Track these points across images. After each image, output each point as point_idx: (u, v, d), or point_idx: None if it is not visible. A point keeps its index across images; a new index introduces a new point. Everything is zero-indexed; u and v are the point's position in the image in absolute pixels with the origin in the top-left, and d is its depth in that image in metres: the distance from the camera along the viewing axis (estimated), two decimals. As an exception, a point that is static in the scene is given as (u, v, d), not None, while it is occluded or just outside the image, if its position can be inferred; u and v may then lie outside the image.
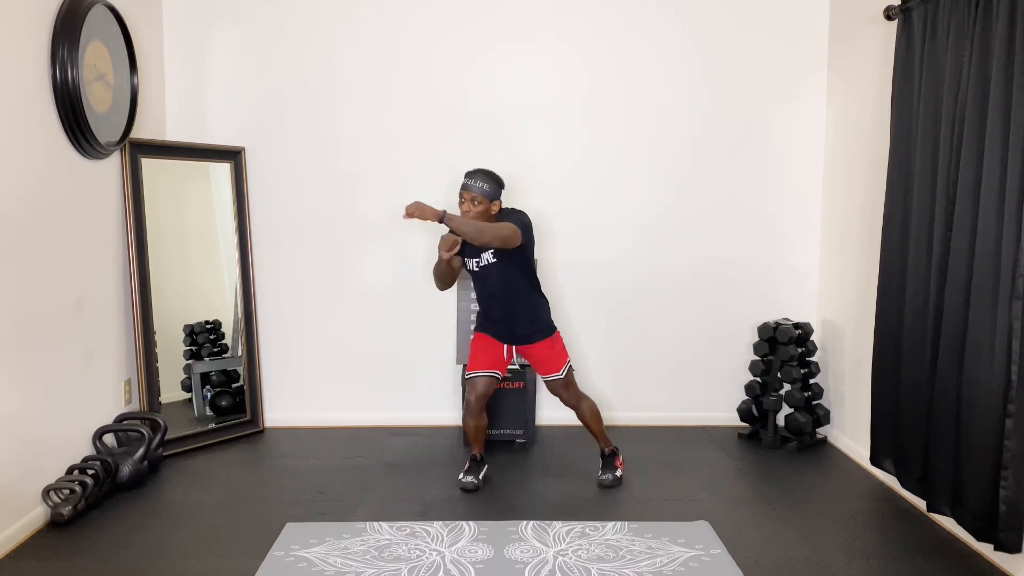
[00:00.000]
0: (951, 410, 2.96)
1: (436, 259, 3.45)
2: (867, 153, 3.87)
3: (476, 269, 3.45)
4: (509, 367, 4.10)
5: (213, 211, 4.30)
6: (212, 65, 4.28)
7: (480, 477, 3.55)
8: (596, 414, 3.65)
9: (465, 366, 3.69)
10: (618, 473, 3.59)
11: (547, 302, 3.62)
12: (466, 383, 3.59)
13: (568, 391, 3.60)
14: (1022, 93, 2.61)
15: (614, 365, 4.52)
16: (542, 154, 4.36)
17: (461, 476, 3.54)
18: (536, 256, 4.27)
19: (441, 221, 3.17)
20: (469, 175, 3.38)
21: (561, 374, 3.55)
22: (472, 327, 3.81)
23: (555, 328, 3.60)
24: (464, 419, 3.63)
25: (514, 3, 4.30)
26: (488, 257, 3.41)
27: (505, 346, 3.56)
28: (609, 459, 3.63)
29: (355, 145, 4.34)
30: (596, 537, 2.95)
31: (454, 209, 3.60)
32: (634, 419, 4.50)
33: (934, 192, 3.13)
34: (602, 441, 3.67)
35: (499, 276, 3.44)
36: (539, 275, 3.90)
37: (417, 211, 3.16)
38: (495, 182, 3.38)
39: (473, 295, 3.85)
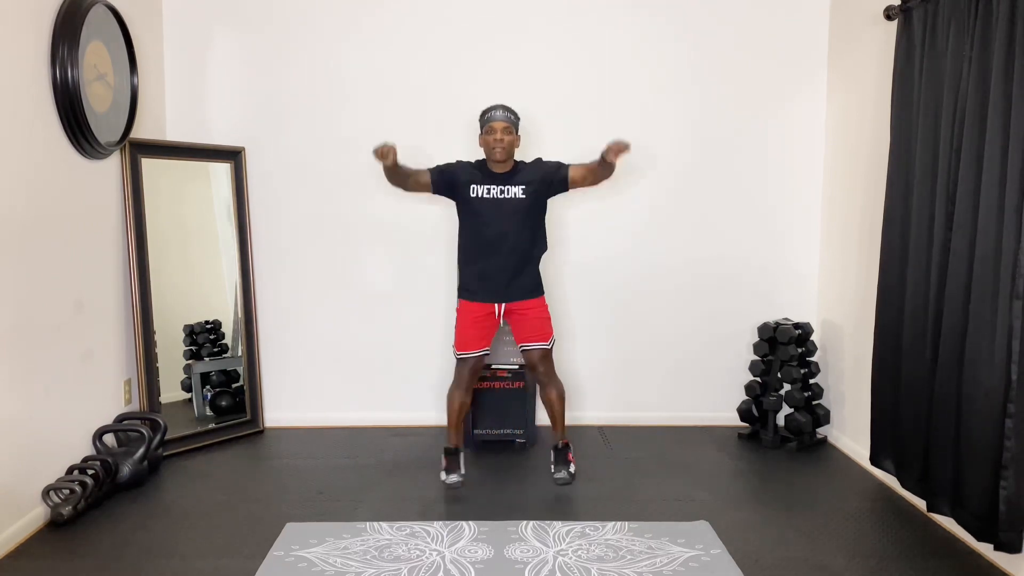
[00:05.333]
0: (951, 410, 2.96)
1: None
2: (867, 153, 3.87)
3: (491, 197, 3.32)
4: (509, 367, 4.10)
5: (213, 211, 4.30)
6: (212, 65, 4.28)
7: (462, 472, 3.49)
8: (564, 398, 3.56)
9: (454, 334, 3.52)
10: (572, 469, 3.50)
11: None
12: (457, 360, 3.48)
13: (546, 365, 3.49)
14: (1022, 93, 2.61)
15: (614, 365, 4.52)
16: (542, 154, 4.35)
17: (444, 476, 3.46)
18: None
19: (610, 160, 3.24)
20: (493, 108, 3.36)
21: (549, 344, 3.46)
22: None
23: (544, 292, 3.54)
24: (451, 396, 3.50)
25: (516, 7, 4.31)
26: (517, 191, 3.33)
27: (497, 307, 3.42)
28: (562, 453, 3.52)
29: (355, 145, 4.33)
30: (596, 537, 2.95)
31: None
32: (634, 419, 4.50)
33: (934, 192, 3.13)
34: (560, 431, 3.55)
35: (521, 216, 3.35)
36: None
37: (622, 148, 3.17)
38: (516, 114, 3.40)
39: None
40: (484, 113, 3.40)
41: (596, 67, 4.35)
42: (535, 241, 3.47)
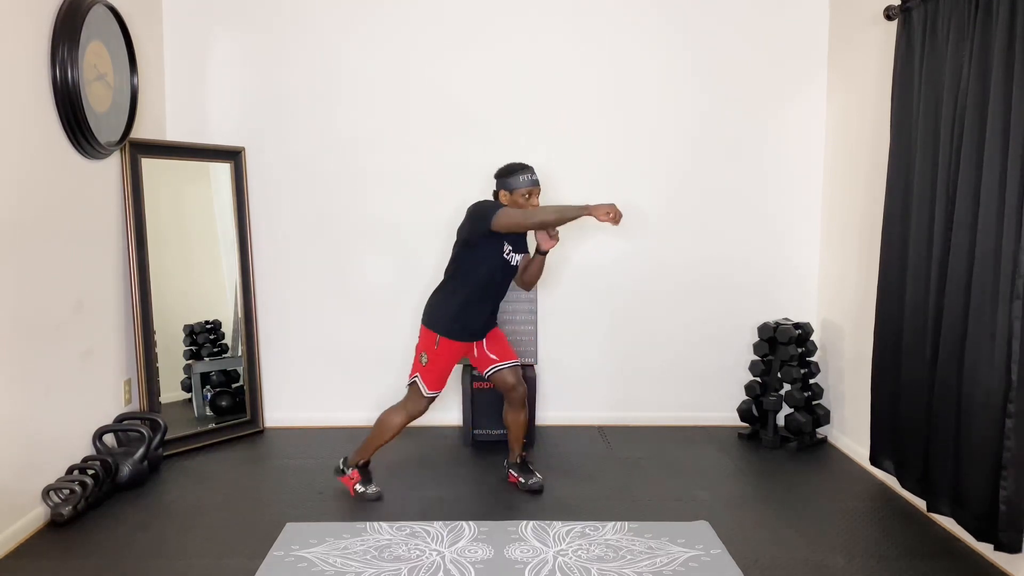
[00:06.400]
0: (951, 410, 2.96)
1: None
2: (867, 153, 3.87)
3: (506, 259, 3.31)
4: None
5: (213, 211, 4.30)
6: (212, 65, 4.28)
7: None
8: (528, 423, 3.59)
9: (421, 374, 3.35)
10: (539, 475, 3.53)
11: None
12: (423, 398, 3.33)
13: (522, 386, 3.44)
14: (1022, 93, 2.61)
15: (614, 365, 4.52)
16: (543, 155, 4.35)
17: (363, 488, 3.41)
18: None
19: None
20: (528, 170, 3.27)
21: (519, 360, 3.48)
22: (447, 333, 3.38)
23: None
24: (393, 423, 3.38)
25: (517, 8, 4.30)
26: (518, 258, 3.35)
27: (475, 345, 3.44)
28: (524, 465, 3.55)
29: (355, 145, 4.34)
30: (596, 537, 2.95)
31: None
32: (634, 419, 4.50)
33: (934, 192, 3.13)
34: (519, 449, 3.55)
35: (512, 277, 3.40)
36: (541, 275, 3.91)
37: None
38: None
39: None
40: (519, 173, 3.26)
41: (596, 68, 4.35)
42: None
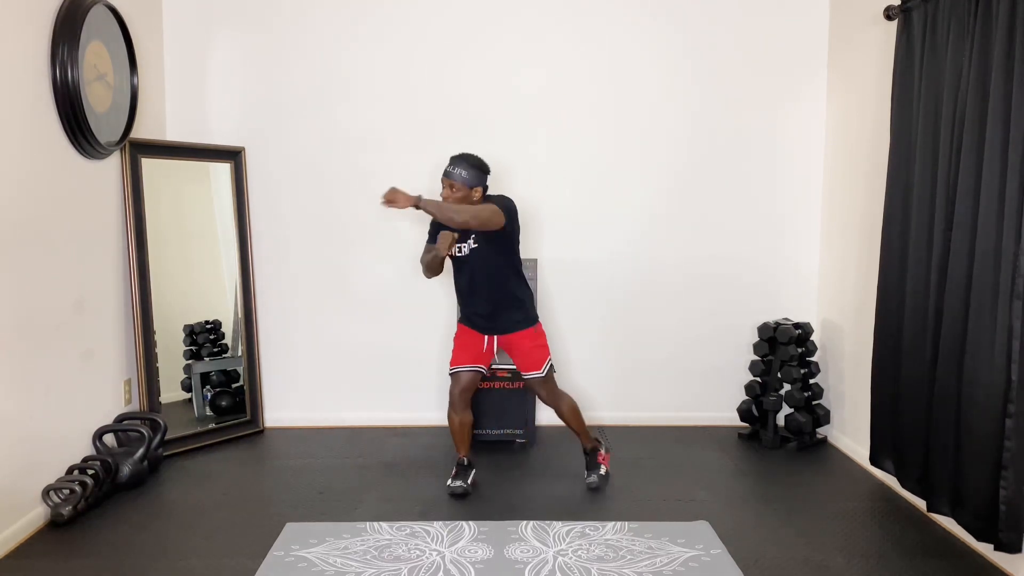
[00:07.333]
0: (951, 410, 2.96)
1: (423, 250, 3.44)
2: (867, 153, 3.87)
3: (459, 255, 3.38)
4: (509, 367, 4.09)
5: (213, 211, 4.30)
6: (212, 65, 4.28)
7: (468, 481, 3.45)
8: (576, 411, 3.56)
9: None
10: (603, 471, 3.52)
11: (531, 292, 3.56)
12: (450, 377, 3.49)
13: (546, 389, 3.49)
14: (1022, 93, 2.61)
15: (613, 365, 4.52)
16: (541, 153, 4.36)
17: (449, 481, 3.45)
18: (535, 254, 4.28)
19: (417, 207, 3.13)
20: (452, 161, 3.34)
21: (542, 372, 3.44)
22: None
23: (538, 319, 3.52)
24: (448, 415, 3.50)
25: (517, 7, 4.30)
26: (471, 242, 3.35)
27: (486, 338, 3.47)
28: (592, 456, 3.56)
29: (355, 145, 4.34)
30: (596, 537, 2.95)
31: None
32: (634, 419, 4.50)
33: (934, 192, 3.13)
34: (584, 438, 3.58)
35: (482, 262, 3.35)
36: (539, 274, 3.91)
37: (392, 197, 3.12)
38: (477, 168, 3.31)
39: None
40: (448, 162, 3.37)
41: (596, 67, 4.35)
42: (515, 280, 3.45)
